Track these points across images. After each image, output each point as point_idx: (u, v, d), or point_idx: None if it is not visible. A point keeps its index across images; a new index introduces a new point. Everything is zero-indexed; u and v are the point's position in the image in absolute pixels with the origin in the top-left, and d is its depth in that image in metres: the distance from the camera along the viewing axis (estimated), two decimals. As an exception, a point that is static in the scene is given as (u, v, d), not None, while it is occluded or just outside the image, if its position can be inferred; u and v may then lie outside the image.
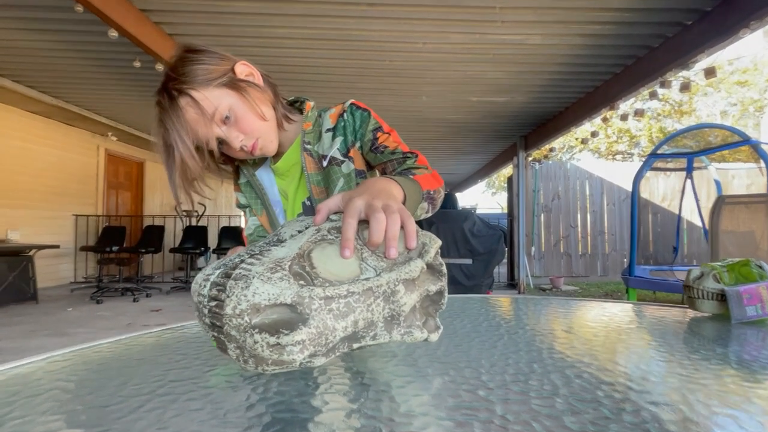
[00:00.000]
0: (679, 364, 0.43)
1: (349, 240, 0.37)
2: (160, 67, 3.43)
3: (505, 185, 7.21)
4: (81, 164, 6.44)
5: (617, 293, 5.79)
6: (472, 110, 5.27)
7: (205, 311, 0.36)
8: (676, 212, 5.13)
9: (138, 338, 0.54)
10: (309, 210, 0.82)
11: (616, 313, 0.72)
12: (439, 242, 0.42)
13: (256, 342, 0.33)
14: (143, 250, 5.55)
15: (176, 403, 0.34)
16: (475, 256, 6.07)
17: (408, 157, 0.77)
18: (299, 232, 0.42)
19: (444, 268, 0.42)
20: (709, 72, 3.06)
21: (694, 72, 3.54)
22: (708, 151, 4.12)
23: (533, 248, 7.00)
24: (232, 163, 0.87)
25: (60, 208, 6.08)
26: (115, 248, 5.37)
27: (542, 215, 7.24)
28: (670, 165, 5.13)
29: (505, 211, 8.30)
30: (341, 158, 0.79)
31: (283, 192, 0.85)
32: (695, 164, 4.50)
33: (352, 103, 0.83)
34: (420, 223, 5.94)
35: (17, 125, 5.33)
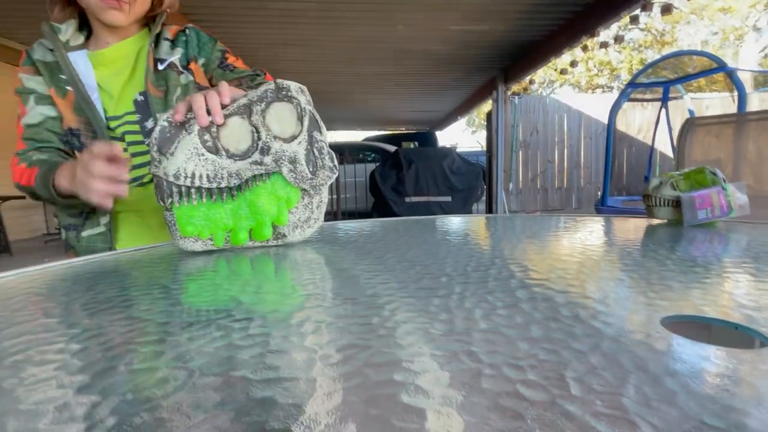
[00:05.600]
0: (624, 260, 0.47)
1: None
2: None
3: (485, 123, 7.15)
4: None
5: (590, 224, 6.02)
6: (451, 40, 5.06)
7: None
8: (650, 144, 5.23)
9: (112, 256, 0.55)
10: (142, 107, 0.79)
11: (580, 223, 0.75)
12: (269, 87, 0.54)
13: None
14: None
15: (138, 303, 0.35)
16: (455, 192, 6.16)
17: (258, 75, 0.83)
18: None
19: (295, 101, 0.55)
20: (691, -7, 2.96)
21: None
22: (684, 79, 4.12)
23: (511, 184, 7.11)
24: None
25: (22, 156, 5.76)
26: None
27: (520, 151, 7.28)
28: (647, 96, 5.14)
29: (485, 149, 8.30)
30: (181, 68, 0.81)
31: (107, 86, 0.79)
32: (671, 94, 4.51)
33: (194, 26, 0.86)
34: (399, 162, 5.83)
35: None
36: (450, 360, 0.22)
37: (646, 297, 0.32)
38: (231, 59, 0.85)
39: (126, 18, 0.76)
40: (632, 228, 0.69)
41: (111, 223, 0.78)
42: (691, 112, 4.39)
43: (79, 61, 0.78)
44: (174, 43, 0.83)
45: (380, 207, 6.18)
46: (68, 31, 0.78)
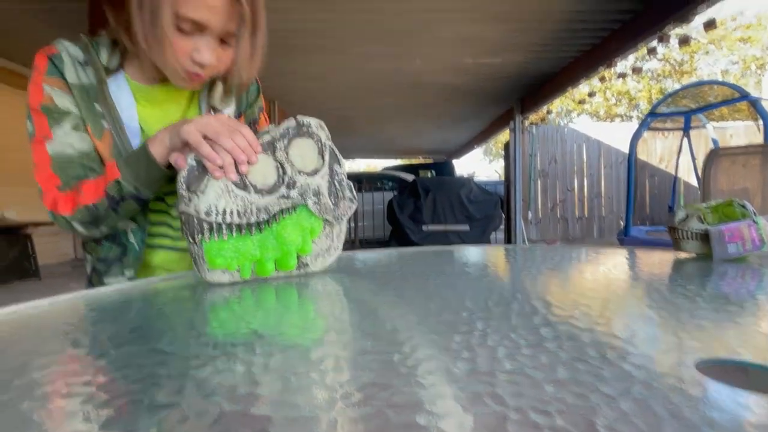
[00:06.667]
0: (652, 295, 0.45)
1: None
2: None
3: (502, 152, 7.17)
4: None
5: (613, 254, 5.86)
6: (468, 73, 5.16)
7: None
8: (673, 173, 5.13)
9: (139, 286, 0.56)
10: None
11: (603, 255, 0.74)
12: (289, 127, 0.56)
13: None
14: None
15: (163, 335, 0.35)
16: (472, 221, 6.12)
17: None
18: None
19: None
20: (709, 24, 2.98)
21: (696, 29, 3.45)
22: (706, 108, 4.08)
23: (530, 213, 7.03)
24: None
25: (55, 184, 6.02)
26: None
27: (539, 180, 7.24)
28: (668, 125, 5.09)
29: (503, 178, 8.28)
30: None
31: (147, 127, 0.68)
32: (693, 123, 4.46)
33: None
34: (417, 191, 5.88)
35: (8, 101, 5.22)
36: (474, 402, 0.22)
37: (677, 337, 0.31)
38: (261, 122, 0.81)
39: (199, 86, 0.68)
40: (658, 261, 0.67)
41: (134, 279, 0.69)
42: (714, 141, 4.31)
43: (119, 90, 0.66)
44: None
45: (398, 235, 6.18)
46: (104, 49, 0.65)
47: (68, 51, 0.63)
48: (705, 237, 0.68)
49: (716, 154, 2.74)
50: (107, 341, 0.33)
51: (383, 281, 0.54)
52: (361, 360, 0.28)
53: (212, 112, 0.72)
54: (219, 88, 0.73)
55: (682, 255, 0.72)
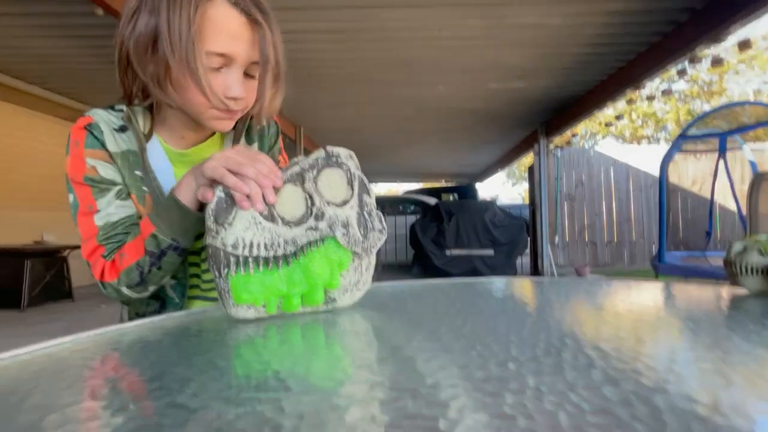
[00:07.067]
0: (721, 344, 0.40)
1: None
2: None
3: (526, 175, 7.07)
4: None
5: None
6: (491, 98, 5.17)
7: None
8: (708, 196, 4.92)
9: (162, 322, 0.54)
10: None
11: (648, 291, 0.68)
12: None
13: None
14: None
15: (189, 383, 0.33)
16: (497, 246, 5.99)
17: None
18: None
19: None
20: (744, 44, 2.90)
21: (725, 49, 3.37)
22: (742, 129, 3.93)
23: (557, 237, 6.86)
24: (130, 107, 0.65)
25: (90, 209, 6.28)
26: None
27: (565, 204, 7.08)
28: (700, 147, 4.92)
29: (527, 201, 8.14)
30: None
31: None
32: (728, 144, 4.29)
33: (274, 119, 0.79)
34: (440, 215, 5.86)
35: (48, 132, 5.53)
36: (545, 495, 0.18)
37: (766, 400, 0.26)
38: (281, 163, 0.79)
39: (232, 123, 0.67)
40: (714, 297, 0.61)
41: None
42: (752, 163, 4.13)
43: (156, 156, 0.67)
44: (249, 135, 0.76)
45: (421, 259, 6.10)
46: (140, 117, 0.67)
47: (104, 119, 0.65)
48: (767, 272, 0.62)
49: (763, 179, 2.61)
50: (127, 392, 0.31)
51: (416, 321, 0.51)
52: (403, 424, 0.25)
53: None
54: (242, 140, 0.74)
55: (740, 291, 0.66)
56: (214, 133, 0.73)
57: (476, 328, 0.46)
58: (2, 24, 3.27)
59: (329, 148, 0.56)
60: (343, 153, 0.56)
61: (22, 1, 2.97)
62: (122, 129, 0.66)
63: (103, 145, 0.63)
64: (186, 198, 0.58)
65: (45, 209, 5.53)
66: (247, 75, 0.63)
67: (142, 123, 0.67)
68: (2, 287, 4.49)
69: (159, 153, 0.68)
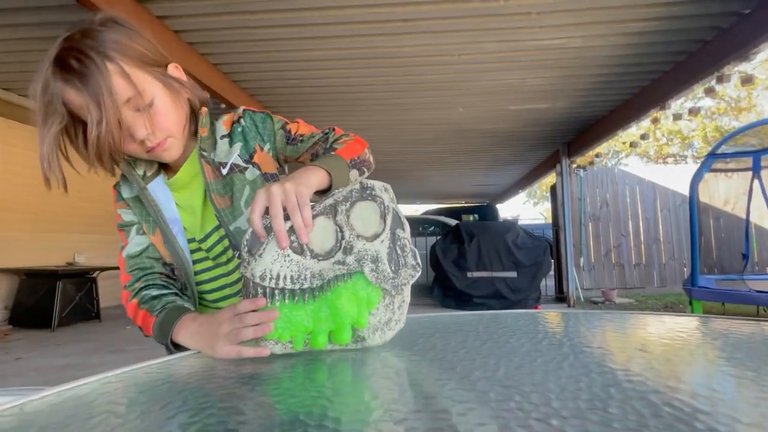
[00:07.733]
0: (791, 391, 0.37)
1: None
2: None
3: (547, 195, 6.95)
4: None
5: (678, 306, 5.38)
6: (511, 119, 5.16)
7: None
8: (742, 216, 4.72)
9: (187, 359, 0.54)
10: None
11: (690, 327, 0.64)
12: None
13: None
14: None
15: (210, 423, 0.32)
16: (520, 268, 5.84)
17: (327, 134, 0.77)
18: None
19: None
20: (774, 63, 2.81)
21: (753, 66, 3.28)
22: (776, 148, 3.78)
23: (582, 259, 6.66)
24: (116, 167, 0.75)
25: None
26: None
27: (590, 224, 6.90)
28: (731, 165, 4.75)
29: (549, 221, 7.99)
30: (243, 165, 0.76)
31: (189, 207, 0.77)
32: (762, 163, 4.13)
33: (245, 109, 0.80)
34: (461, 236, 5.72)
35: (78, 156, 5.77)
36: None
37: None
38: (294, 128, 0.79)
39: (176, 149, 0.72)
40: (761, 335, 0.57)
41: None
42: (789, 182, 3.95)
43: (159, 190, 0.76)
44: (231, 138, 0.77)
45: (441, 281, 6.01)
46: (141, 163, 0.76)
47: (125, 178, 0.77)
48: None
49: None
50: (154, 445, 0.30)
51: (448, 363, 0.49)
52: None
53: (223, 169, 0.75)
54: (219, 146, 0.76)
55: (796, 330, 0.61)
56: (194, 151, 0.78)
57: (510, 372, 0.44)
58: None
59: (364, 180, 0.55)
60: (377, 185, 0.55)
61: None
62: (125, 179, 0.78)
63: (121, 196, 0.78)
64: (180, 338, 0.63)
65: (77, 231, 5.73)
66: (141, 108, 0.64)
67: (143, 167, 0.76)
68: (36, 307, 4.63)
69: (162, 187, 0.77)
